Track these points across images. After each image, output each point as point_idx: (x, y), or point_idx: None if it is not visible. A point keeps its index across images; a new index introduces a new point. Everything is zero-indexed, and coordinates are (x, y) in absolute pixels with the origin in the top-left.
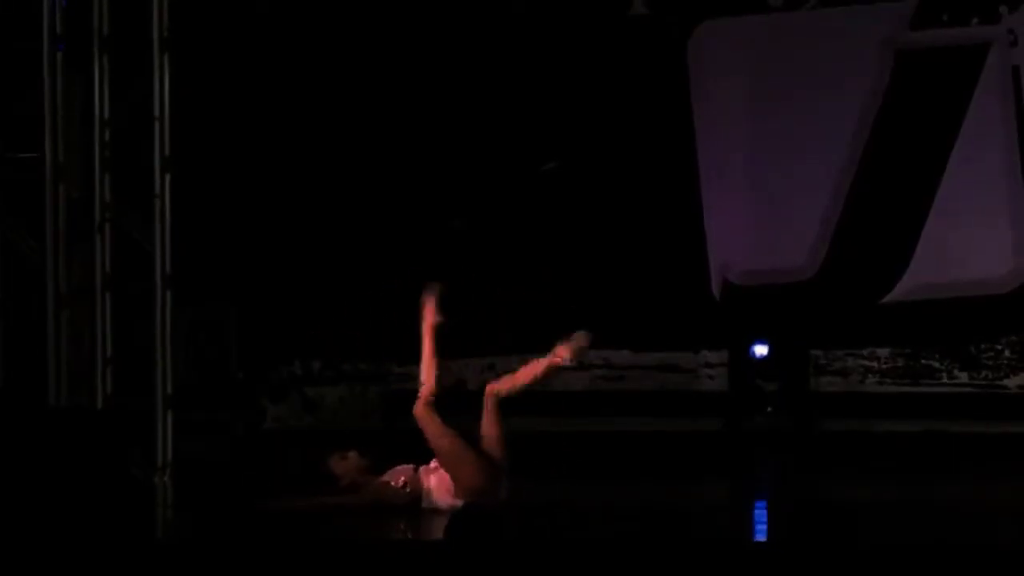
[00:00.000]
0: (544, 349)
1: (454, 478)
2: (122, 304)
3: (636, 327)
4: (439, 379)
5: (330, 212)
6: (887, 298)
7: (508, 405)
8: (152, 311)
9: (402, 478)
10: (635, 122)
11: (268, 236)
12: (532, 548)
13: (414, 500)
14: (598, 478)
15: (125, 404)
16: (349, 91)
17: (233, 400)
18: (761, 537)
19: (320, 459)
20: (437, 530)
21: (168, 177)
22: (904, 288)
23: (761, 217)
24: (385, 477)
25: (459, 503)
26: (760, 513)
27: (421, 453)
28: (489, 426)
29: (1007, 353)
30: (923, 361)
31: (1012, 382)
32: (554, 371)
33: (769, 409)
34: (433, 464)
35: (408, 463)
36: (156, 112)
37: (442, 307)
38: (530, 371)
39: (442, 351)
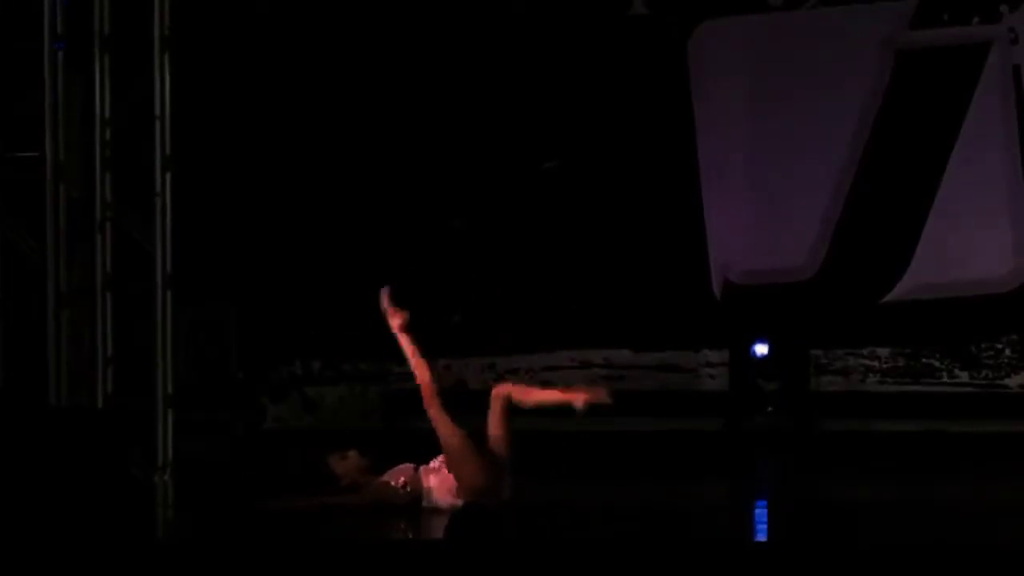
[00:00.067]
0: (544, 349)
1: (457, 477)
2: (122, 304)
3: (636, 327)
4: (434, 373)
5: (330, 212)
6: (887, 298)
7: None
8: (152, 311)
9: (402, 478)
10: (635, 122)
11: (268, 236)
12: (532, 548)
13: (414, 500)
14: (598, 478)
15: (125, 404)
16: (349, 91)
17: (233, 400)
18: (761, 537)
19: (320, 459)
20: (437, 530)
21: (168, 176)
22: (904, 288)
23: (761, 217)
24: (385, 477)
25: (459, 503)
26: (760, 513)
27: (421, 453)
28: (496, 426)
29: (1007, 352)
30: (924, 360)
31: (1012, 381)
32: (564, 406)
33: (769, 409)
34: (433, 464)
35: (408, 463)
36: (157, 111)
37: (399, 304)
38: (545, 395)
39: (424, 345)
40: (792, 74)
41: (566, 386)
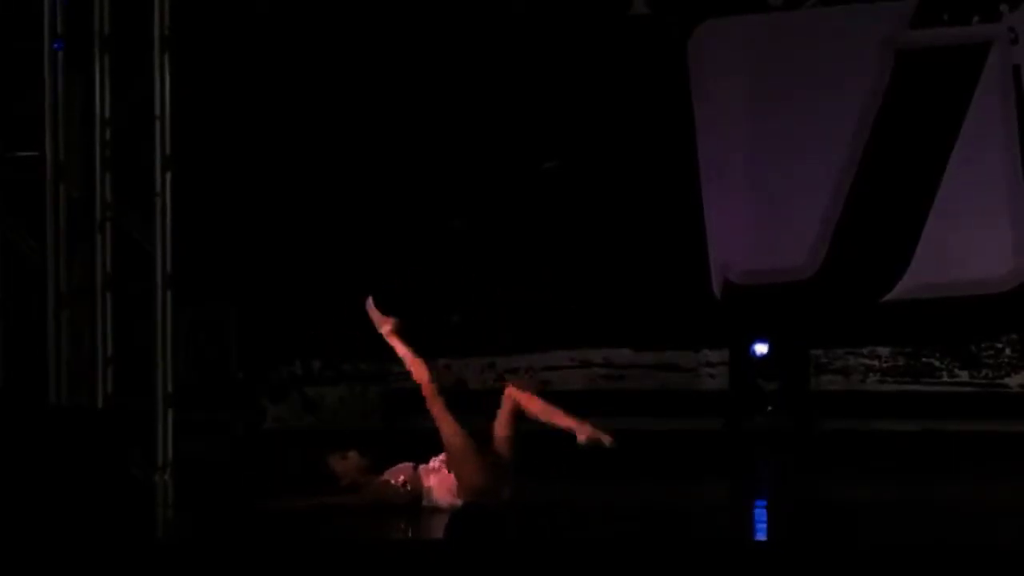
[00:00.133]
0: (544, 348)
1: (458, 476)
2: (122, 304)
3: (637, 326)
4: (433, 372)
5: (330, 212)
6: (887, 297)
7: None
8: (152, 311)
9: (402, 477)
10: (635, 122)
11: (268, 236)
12: (532, 548)
13: (414, 499)
14: (598, 478)
15: (125, 404)
16: (349, 91)
17: (233, 400)
18: (761, 537)
19: (320, 459)
20: (437, 530)
21: (169, 176)
22: (904, 287)
23: (761, 217)
24: (385, 476)
25: (459, 502)
26: (760, 513)
27: (421, 452)
28: (503, 426)
29: (1007, 352)
30: (924, 360)
31: (1013, 381)
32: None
33: (769, 408)
34: (433, 463)
35: (407, 462)
36: (157, 111)
37: (392, 306)
38: (553, 414)
39: (424, 345)
40: (792, 74)
41: (578, 417)
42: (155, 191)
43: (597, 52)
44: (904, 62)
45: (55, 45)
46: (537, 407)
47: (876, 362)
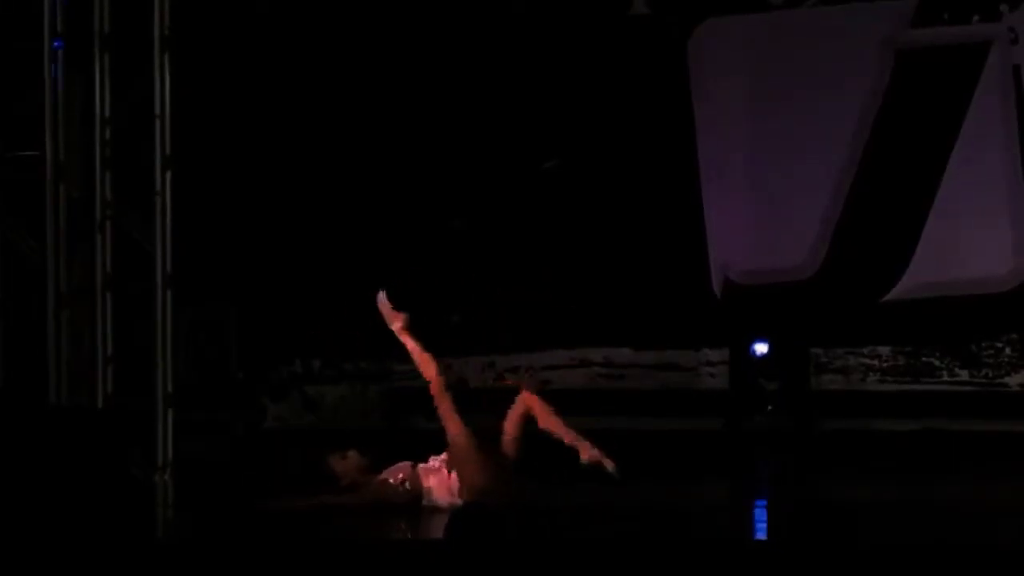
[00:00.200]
0: (544, 347)
1: (460, 475)
2: (122, 304)
3: (637, 326)
4: (441, 369)
5: (330, 212)
6: (887, 297)
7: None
8: (152, 311)
9: (400, 475)
10: (635, 122)
11: (268, 236)
12: (532, 548)
13: (414, 498)
14: (598, 478)
15: (125, 404)
16: (349, 91)
17: (233, 400)
18: (761, 537)
19: (320, 459)
20: (437, 529)
21: (168, 176)
22: (904, 287)
23: (761, 216)
24: (383, 475)
25: (459, 502)
26: (760, 513)
27: (421, 452)
28: (513, 428)
29: (1008, 351)
30: (924, 359)
31: (1013, 380)
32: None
33: (769, 408)
34: (432, 463)
35: (406, 461)
36: (157, 111)
37: (398, 304)
38: (564, 430)
39: (425, 345)
40: (792, 74)
41: (587, 440)
42: (155, 191)
43: (597, 52)
44: (904, 62)
45: (55, 44)
46: (549, 420)
47: (876, 362)
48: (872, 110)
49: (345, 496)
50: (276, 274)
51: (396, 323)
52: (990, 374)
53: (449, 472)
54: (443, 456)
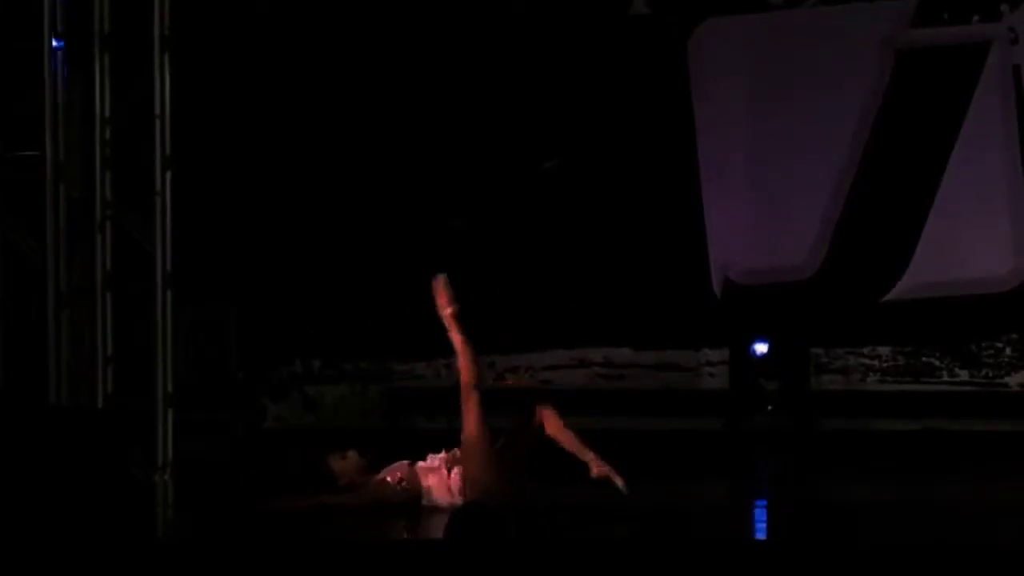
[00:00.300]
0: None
1: (466, 473)
2: (122, 304)
3: (637, 325)
4: (479, 366)
5: (330, 211)
6: (887, 297)
7: (511, 404)
8: (152, 311)
9: (398, 475)
10: (635, 122)
11: (268, 236)
12: (532, 548)
13: (412, 498)
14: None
15: (125, 404)
16: (349, 90)
17: (233, 400)
18: (761, 537)
19: (320, 459)
20: (437, 529)
21: (168, 176)
22: (904, 287)
23: (761, 216)
24: (381, 475)
25: (459, 501)
26: (760, 513)
27: (421, 452)
28: (525, 439)
29: (1008, 351)
30: (924, 359)
31: (1013, 380)
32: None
33: (769, 408)
34: (431, 461)
35: (403, 460)
36: (157, 111)
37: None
38: (573, 444)
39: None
40: (792, 74)
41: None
42: (155, 191)
43: (597, 52)
44: (904, 62)
45: (55, 44)
46: (562, 434)
47: (876, 362)
48: (872, 110)
49: (344, 496)
50: (276, 274)
51: (450, 308)
52: (990, 374)
53: (449, 471)
54: (442, 455)
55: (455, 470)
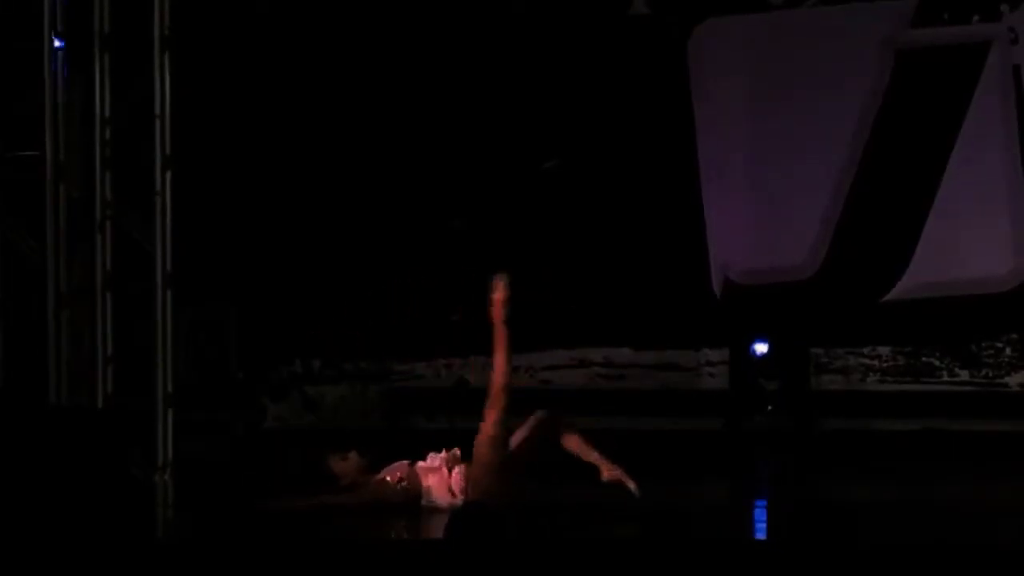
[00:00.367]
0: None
1: (472, 474)
2: (122, 304)
3: (637, 326)
4: (511, 372)
5: (330, 211)
6: (888, 297)
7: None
8: (152, 311)
9: (398, 474)
10: (635, 122)
11: (268, 236)
12: (532, 548)
13: (412, 497)
14: (598, 478)
15: (125, 404)
16: (349, 91)
17: (233, 400)
18: (761, 537)
19: (320, 459)
20: (437, 529)
21: (168, 176)
22: (904, 287)
23: (761, 216)
24: (382, 474)
25: (459, 501)
26: (760, 513)
27: (421, 452)
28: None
29: (1008, 351)
30: (924, 359)
31: (1013, 380)
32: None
33: (769, 408)
34: (431, 461)
35: (403, 460)
36: (157, 111)
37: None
38: (584, 451)
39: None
40: (792, 74)
41: (610, 460)
42: (155, 191)
43: (597, 52)
44: (904, 62)
45: (55, 44)
46: (571, 440)
47: (876, 362)
48: (872, 110)
49: (344, 496)
50: (276, 274)
51: (503, 311)
52: (990, 374)
53: (449, 471)
54: (442, 455)
55: (455, 470)
